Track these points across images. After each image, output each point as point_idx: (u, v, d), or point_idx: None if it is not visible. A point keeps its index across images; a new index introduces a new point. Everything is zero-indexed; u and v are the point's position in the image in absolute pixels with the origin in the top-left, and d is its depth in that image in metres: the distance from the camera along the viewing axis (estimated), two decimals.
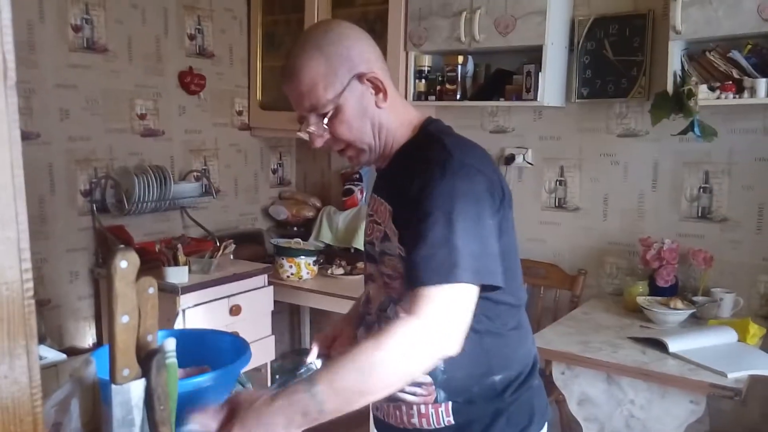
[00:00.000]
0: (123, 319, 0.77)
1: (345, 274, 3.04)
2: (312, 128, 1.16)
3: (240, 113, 3.36)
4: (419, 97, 2.86)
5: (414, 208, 1.07)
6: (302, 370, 1.27)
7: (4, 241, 0.53)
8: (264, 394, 0.98)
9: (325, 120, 1.14)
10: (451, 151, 1.10)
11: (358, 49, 1.15)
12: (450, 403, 1.17)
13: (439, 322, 1.00)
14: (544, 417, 1.25)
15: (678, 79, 2.32)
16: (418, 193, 1.07)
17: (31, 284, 0.56)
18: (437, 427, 1.17)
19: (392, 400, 1.23)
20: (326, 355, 1.36)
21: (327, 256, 3.20)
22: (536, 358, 1.28)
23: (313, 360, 1.33)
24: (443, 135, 1.18)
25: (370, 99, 1.16)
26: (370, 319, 1.27)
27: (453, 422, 1.17)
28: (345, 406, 0.95)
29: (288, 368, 3.44)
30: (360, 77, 1.14)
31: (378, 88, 1.16)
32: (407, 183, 1.11)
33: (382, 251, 1.18)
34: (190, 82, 3.04)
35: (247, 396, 0.99)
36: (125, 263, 0.76)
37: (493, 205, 1.10)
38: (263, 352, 2.83)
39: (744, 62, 2.22)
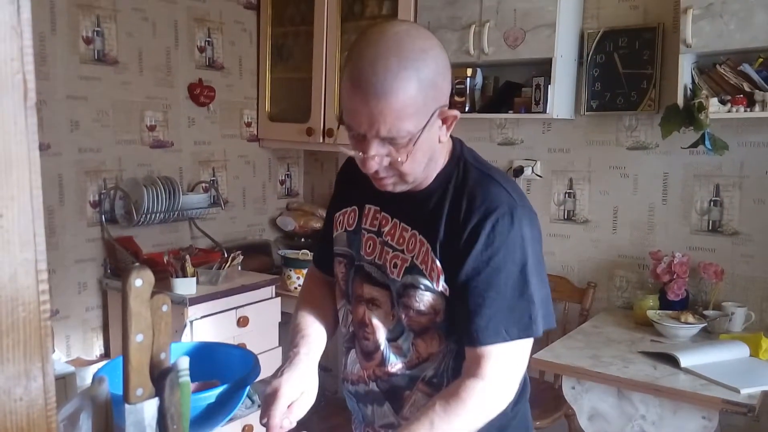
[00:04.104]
0: (137, 338, 0.77)
1: None
2: (374, 153, 1.02)
3: (249, 125, 3.37)
4: None
5: (482, 257, 1.05)
6: None
7: (22, 263, 0.53)
8: None
9: (404, 153, 1.02)
10: (513, 195, 1.08)
11: (447, 77, 1.04)
12: None
13: (504, 382, 1.08)
14: (532, 428, 1.31)
15: (688, 92, 2.31)
16: (487, 242, 1.04)
17: (47, 306, 0.55)
18: None
19: (389, 426, 1.21)
20: None
21: None
22: (525, 372, 1.28)
23: None
24: (491, 171, 1.13)
25: (436, 133, 1.06)
26: (368, 345, 1.20)
27: None
28: None
29: None
30: (441, 112, 1.04)
31: (445, 122, 1.06)
32: (460, 222, 1.07)
33: (410, 284, 1.12)
34: (199, 94, 3.06)
35: None
36: (140, 281, 0.76)
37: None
38: (271, 363, 2.81)
39: (755, 76, 2.21)
